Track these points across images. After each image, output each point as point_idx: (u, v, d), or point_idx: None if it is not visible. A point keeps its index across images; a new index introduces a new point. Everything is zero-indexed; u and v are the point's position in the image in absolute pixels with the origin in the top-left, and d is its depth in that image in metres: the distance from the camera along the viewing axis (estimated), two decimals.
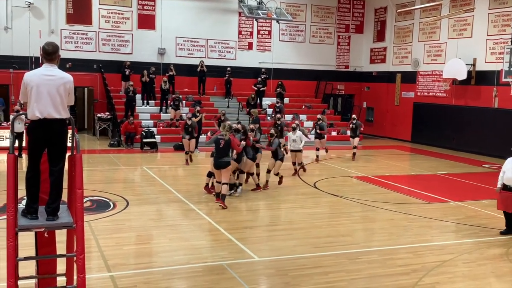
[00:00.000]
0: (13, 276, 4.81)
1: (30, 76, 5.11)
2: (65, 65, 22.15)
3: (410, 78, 25.16)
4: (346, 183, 14.52)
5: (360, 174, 15.72)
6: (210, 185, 12.09)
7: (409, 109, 25.18)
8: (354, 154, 18.87)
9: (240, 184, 12.38)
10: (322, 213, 10.98)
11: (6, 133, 18.04)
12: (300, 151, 14.89)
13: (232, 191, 11.97)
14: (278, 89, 24.56)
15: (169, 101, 22.22)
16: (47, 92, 5.06)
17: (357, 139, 18.89)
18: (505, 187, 9.46)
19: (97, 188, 12.43)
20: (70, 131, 5.45)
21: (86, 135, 23.38)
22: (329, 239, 9.10)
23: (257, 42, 25.91)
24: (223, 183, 10.92)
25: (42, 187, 5.38)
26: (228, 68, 24.47)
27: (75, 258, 5.15)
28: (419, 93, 24.74)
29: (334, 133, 24.01)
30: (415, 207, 11.80)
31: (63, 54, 23.32)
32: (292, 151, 14.91)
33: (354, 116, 20.09)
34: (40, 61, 5.33)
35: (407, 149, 23.07)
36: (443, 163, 18.78)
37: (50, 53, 5.23)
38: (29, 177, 5.18)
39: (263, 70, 25.14)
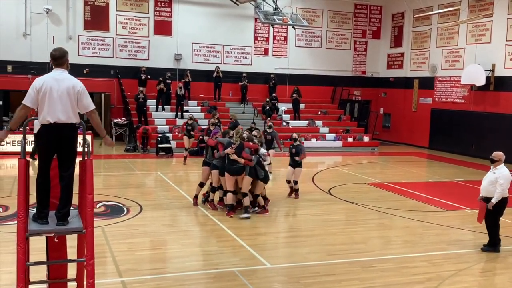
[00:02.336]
0: (23, 280, 4.82)
1: (41, 81, 5.13)
2: (83, 71, 22.46)
3: (427, 83, 24.91)
4: (361, 189, 14.37)
5: (376, 181, 15.55)
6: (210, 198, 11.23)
7: (426, 115, 24.91)
8: (296, 191, 12.73)
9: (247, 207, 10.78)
10: (336, 220, 10.87)
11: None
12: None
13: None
14: (294, 95, 24.50)
15: (183, 106, 22.38)
16: (57, 97, 5.07)
17: (298, 169, 12.39)
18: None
19: (111, 193, 12.48)
20: (81, 136, 5.46)
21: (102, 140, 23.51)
22: (343, 247, 8.99)
23: (273, 47, 25.90)
24: (244, 193, 10.39)
25: (53, 192, 5.40)
26: (244, 74, 24.49)
27: (85, 264, 5.16)
28: (437, 99, 24.46)
29: (350, 139, 23.84)
30: (431, 214, 11.62)
31: (80, 60, 23.68)
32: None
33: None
34: (50, 67, 5.33)
35: (424, 155, 22.81)
36: (461, 170, 18.51)
37: (57, 58, 5.25)
38: (40, 182, 5.20)
39: (271, 75, 25.09)
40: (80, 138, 5.43)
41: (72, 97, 5.15)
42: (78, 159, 5.38)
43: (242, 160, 10.21)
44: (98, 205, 11.25)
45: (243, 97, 24.50)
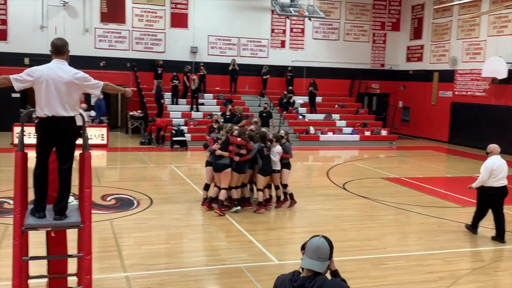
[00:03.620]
0: (19, 276, 4.71)
1: (40, 71, 4.97)
2: (99, 63, 22.50)
3: (448, 76, 24.37)
4: (377, 184, 14.08)
5: (393, 176, 15.24)
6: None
7: (446, 108, 24.40)
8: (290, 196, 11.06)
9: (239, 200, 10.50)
10: (349, 216, 10.62)
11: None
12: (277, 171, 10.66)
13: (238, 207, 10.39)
14: (310, 88, 24.17)
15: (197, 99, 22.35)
16: (55, 89, 4.93)
17: (286, 171, 10.75)
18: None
19: (124, 186, 12.43)
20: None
21: (119, 133, 23.57)
22: (355, 243, 8.77)
23: (290, 40, 25.61)
24: (222, 188, 10.06)
25: (52, 186, 5.29)
26: (266, 66, 24.25)
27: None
28: (457, 92, 23.93)
29: (367, 133, 23.47)
30: (448, 211, 11.31)
31: (97, 53, 23.74)
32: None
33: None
34: (51, 57, 5.18)
35: (443, 150, 22.35)
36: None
37: (59, 46, 5.10)
38: (37, 175, 5.08)
39: (288, 68, 24.79)
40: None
41: (72, 89, 5.00)
42: (78, 152, 5.25)
43: (226, 154, 9.93)
44: (108, 198, 11.20)
45: (263, 89, 24.29)
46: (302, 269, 3.29)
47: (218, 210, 10.01)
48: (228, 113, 17.62)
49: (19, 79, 4.90)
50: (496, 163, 9.10)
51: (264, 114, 18.83)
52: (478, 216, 9.43)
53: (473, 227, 9.54)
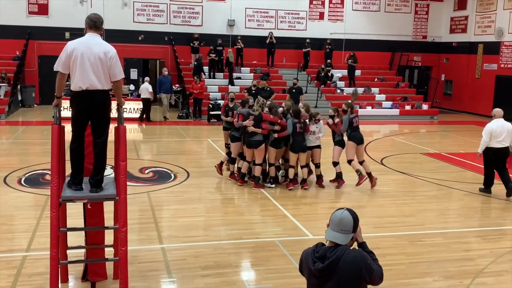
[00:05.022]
0: (56, 246, 4.83)
1: (74, 45, 5.02)
2: (138, 37, 22.66)
3: (493, 49, 23.45)
4: (416, 160, 13.79)
5: (433, 151, 14.88)
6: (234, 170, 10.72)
7: (491, 82, 23.55)
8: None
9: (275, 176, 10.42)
10: (386, 192, 10.43)
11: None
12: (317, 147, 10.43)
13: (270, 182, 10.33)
14: (349, 61, 23.67)
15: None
16: (89, 63, 4.97)
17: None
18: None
19: (161, 159, 12.59)
20: (114, 103, 5.36)
21: (158, 106, 23.77)
22: (392, 219, 8.64)
23: (328, 12, 25.09)
24: (257, 164, 10.05)
25: (88, 159, 5.37)
26: (308, 40, 23.89)
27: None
28: (502, 65, 23.02)
29: (408, 107, 22.93)
30: (492, 187, 10.96)
31: (135, 27, 23.95)
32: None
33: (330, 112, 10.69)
34: (84, 31, 5.20)
35: None
36: None
37: (96, 22, 5.13)
38: (73, 148, 5.17)
39: (328, 41, 24.30)
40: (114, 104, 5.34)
41: (104, 63, 5.03)
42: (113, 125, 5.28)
43: (259, 130, 9.79)
44: (146, 171, 11.37)
45: (305, 64, 23.96)
46: (327, 241, 3.28)
47: (256, 187, 10.04)
48: (253, 89, 17.35)
49: (59, 63, 4.98)
50: (496, 125, 9.89)
51: (294, 91, 18.28)
52: (487, 178, 10.23)
53: (486, 189, 10.26)
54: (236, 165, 10.70)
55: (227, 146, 11.16)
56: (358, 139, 10.26)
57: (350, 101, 10.79)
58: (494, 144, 9.86)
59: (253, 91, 16.63)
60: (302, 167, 10.27)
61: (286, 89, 19.17)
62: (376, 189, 10.46)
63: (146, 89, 19.20)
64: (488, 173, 10.22)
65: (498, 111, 10.25)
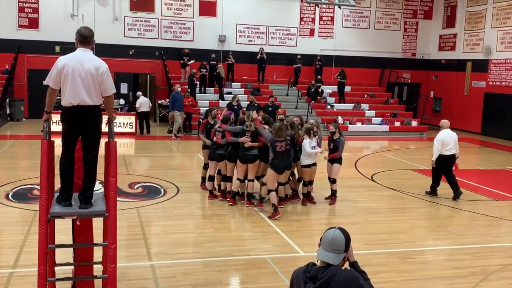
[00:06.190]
0: (44, 263, 4.74)
1: (65, 60, 4.98)
2: (128, 52, 22.66)
3: (481, 66, 23.74)
4: (406, 176, 13.83)
5: (423, 168, 14.93)
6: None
7: (479, 99, 23.80)
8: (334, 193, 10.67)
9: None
10: (377, 208, 10.43)
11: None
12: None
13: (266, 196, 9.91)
14: (338, 77, 23.80)
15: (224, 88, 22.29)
16: (80, 79, 4.92)
17: (336, 166, 10.34)
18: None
19: (151, 174, 12.51)
20: (105, 117, 5.31)
21: (156, 122, 23.71)
22: (382, 236, 8.62)
23: (319, 28, 25.30)
24: (250, 180, 9.82)
25: (78, 174, 5.30)
26: (299, 56, 24.03)
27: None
28: (490, 83, 23.30)
29: (397, 124, 23.07)
30: (480, 204, 11.04)
31: (126, 42, 23.83)
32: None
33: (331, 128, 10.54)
34: (76, 46, 5.17)
35: (476, 141, 21.83)
36: None
37: (86, 37, 5.08)
38: (63, 163, 5.10)
39: (318, 57, 24.47)
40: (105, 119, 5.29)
41: (96, 78, 4.99)
42: (104, 140, 5.23)
43: (256, 144, 9.59)
44: (136, 186, 11.28)
45: (295, 80, 24.06)
46: (318, 261, 3.24)
47: (249, 204, 9.84)
48: (235, 104, 17.30)
49: (50, 78, 4.93)
50: (446, 135, 11.06)
51: (270, 109, 17.77)
52: (435, 182, 11.42)
53: (432, 192, 11.43)
54: (213, 182, 10.39)
55: (207, 166, 10.66)
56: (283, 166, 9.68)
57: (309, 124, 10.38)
58: (445, 152, 11.01)
59: (235, 107, 16.61)
60: (299, 181, 10.37)
61: (261, 105, 18.31)
62: (367, 205, 10.46)
63: (147, 102, 19.21)
64: (436, 178, 11.37)
65: (445, 122, 11.49)
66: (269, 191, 9.43)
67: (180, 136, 19.17)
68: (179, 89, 19.43)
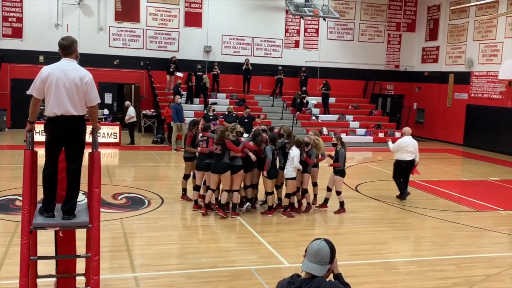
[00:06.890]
0: (26, 275, 4.68)
1: (49, 70, 4.95)
2: (113, 62, 22.57)
3: (463, 78, 24.07)
4: (390, 187, 13.83)
5: None
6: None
7: (461, 111, 24.10)
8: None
9: (248, 200, 10.46)
10: (361, 219, 10.48)
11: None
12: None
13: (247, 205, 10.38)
14: (322, 89, 23.96)
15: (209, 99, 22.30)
16: (64, 89, 4.89)
17: (337, 177, 10.76)
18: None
19: (135, 185, 12.42)
20: (89, 127, 5.28)
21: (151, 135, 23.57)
22: (366, 247, 8.64)
23: (304, 40, 25.47)
24: (235, 191, 9.85)
25: (61, 185, 5.25)
26: (280, 67, 24.15)
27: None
28: (472, 95, 23.62)
29: (381, 135, 23.25)
30: (463, 215, 11.14)
31: (111, 52, 23.69)
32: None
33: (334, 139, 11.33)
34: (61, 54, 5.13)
35: (458, 153, 22.07)
36: (496, 169, 17.80)
37: (65, 47, 5.05)
38: (46, 174, 5.05)
39: (303, 69, 24.65)
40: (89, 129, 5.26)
41: (80, 88, 4.96)
42: (87, 151, 5.19)
43: (239, 154, 9.68)
44: (119, 197, 11.19)
45: (279, 91, 24.17)
46: (303, 272, 3.24)
47: (234, 214, 9.91)
48: (211, 114, 17.33)
49: (34, 88, 4.89)
50: (406, 141, 11.99)
51: (246, 120, 17.64)
52: (400, 186, 12.11)
53: (402, 195, 12.03)
54: (200, 192, 10.38)
55: (188, 177, 10.79)
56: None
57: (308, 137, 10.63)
58: (406, 157, 11.87)
59: (211, 117, 16.65)
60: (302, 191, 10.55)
61: (239, 116, 18.37)
62: (351, 216, 10.50)
63: (134, 112, 19.35)
64: (399, 182, 12.14)
65: (407, 129, 12.59)
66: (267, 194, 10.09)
67: (180, 146, 19.03)
68: (180, 100, 19.18)
